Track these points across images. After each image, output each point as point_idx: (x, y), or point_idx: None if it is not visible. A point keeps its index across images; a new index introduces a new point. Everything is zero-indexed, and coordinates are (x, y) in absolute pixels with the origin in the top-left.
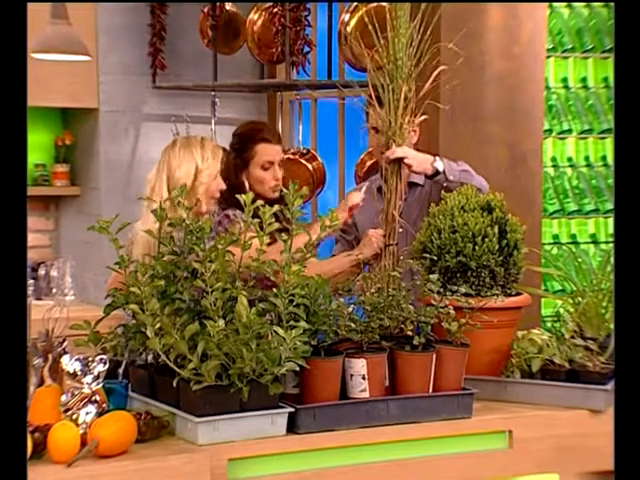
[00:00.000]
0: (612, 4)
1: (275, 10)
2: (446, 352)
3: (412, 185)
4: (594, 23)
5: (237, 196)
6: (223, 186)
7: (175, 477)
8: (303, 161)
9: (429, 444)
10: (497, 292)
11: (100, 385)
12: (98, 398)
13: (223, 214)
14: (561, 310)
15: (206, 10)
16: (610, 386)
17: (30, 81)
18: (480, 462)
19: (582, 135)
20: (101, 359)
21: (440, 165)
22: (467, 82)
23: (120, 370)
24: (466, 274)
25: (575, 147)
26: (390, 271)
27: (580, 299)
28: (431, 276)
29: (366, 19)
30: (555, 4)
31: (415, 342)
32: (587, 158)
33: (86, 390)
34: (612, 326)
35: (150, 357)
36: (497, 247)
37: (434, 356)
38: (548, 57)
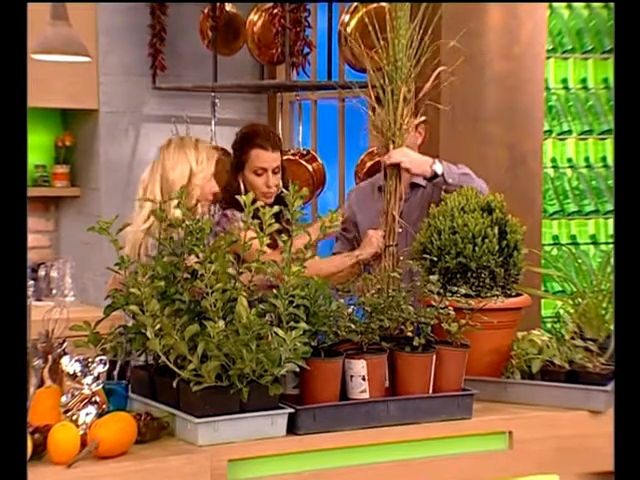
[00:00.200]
0: (612, 5)
1: (275, 11)
2: (446, 353)
3: (414, 186)
4: (594, 24)
5: (237, 197)
6: (216, 188)
7: (175, 478)
8: (303, 162)
9: (429, 445)
10: (497, 293)
11: (100, 386)
12: (98, 399)
13: (222, 214)
14: (561, 311)
15: (206, 11)
16: (610, 387)
17: (30, 82)
18: (480, 463)
19: (582, 136)
20: (101, 360)
21: (439, 168)
22: (467, 82)
23: (115, 372)
24: (466, 275)
25: (575, 148)
26: (390, 272)
27: (580, 300)
28: (431, 277)
29: (366, 20)
30: (555, 5)
31: (415, 343)
32: (587, 159)
33: (86, 391)
34: (612, 327)
35: (150, 358)
36: (497, 248)
37: (434, 357)
38: (548, 58)
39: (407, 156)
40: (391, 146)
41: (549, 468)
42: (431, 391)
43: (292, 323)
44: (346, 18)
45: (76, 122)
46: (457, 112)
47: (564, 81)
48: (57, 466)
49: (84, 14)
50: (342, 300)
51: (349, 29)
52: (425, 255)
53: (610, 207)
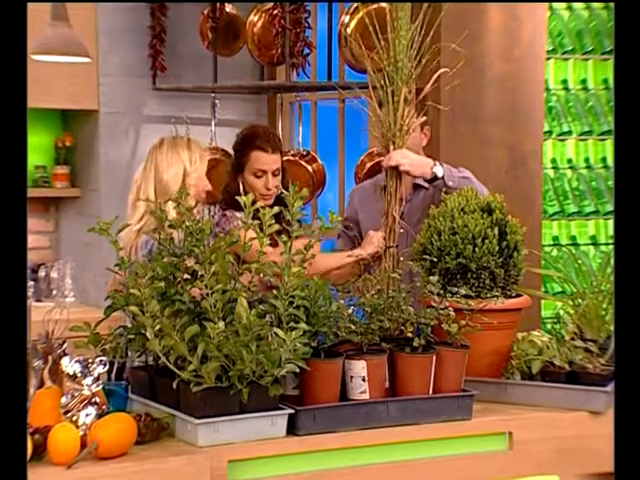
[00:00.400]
0: (612, 6)
1: (275, 12)
2: (446, 354)
3: (417, 187)
4: (594, 25)
5: (237, 198)
6: (209, 187)
7: (175, 479)
8: (303, 163)
9: (429, 446)
10: (497, 294)
11: (100, 387)
12: (98, 400)
13: (221, 214)
14: (561, 312)
15: (206, 12)
16: (610, 388)
17: (30, 83)
18: (480, 464)
19: (582, 137)
20: (101, 361)
21: (439, 170)
22: (467, 84)
23: (112, 374)
24: (466, 276)
25: (575, 149)
26: (390, 273)
27: (580, 301)
28: (431, 278)
29: (366, 20)
30: (555, 6)
31: (415, 344)
32: (587, 160)
33: (86, 392)
34: (612, 328)
35: (150, 359)
36: (497, 249)
37: (434, 358)
38: (548, 59)
39: (407, 158)
40: (391, 147)
41: (549, 469)
42: (431, 392)
43: (292, 324)
44: (346, 19)
45: (76, 123)
46: (457, 113)
47: (564, 82)
48: (57, 467)
49: (84, 15)
50: (342, 301)
51: (349, 30)
52: (425, 256)
53: (610, 208)
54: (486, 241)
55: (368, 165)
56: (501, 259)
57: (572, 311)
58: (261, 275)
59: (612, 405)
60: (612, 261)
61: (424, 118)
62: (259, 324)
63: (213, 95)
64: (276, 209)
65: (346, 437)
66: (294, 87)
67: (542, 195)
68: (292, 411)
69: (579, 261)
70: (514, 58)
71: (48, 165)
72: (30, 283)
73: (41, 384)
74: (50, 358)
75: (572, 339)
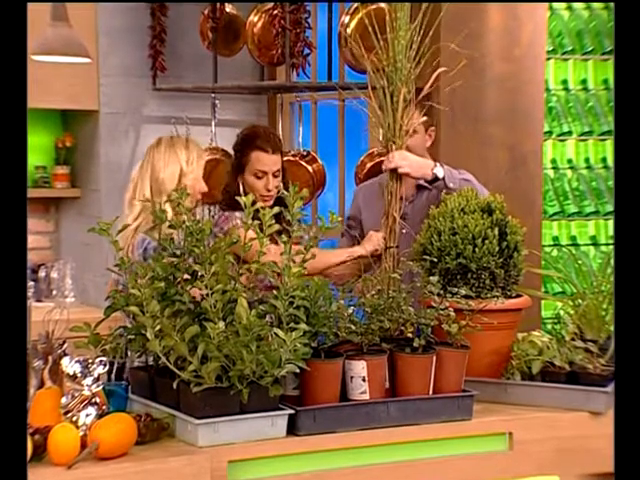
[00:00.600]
0: (612, 6)
1: (275, 12)
2: (446, 354)
3: (420, 188)
4: (594, 25)
5: (237, 198)
6: (205, 189)
7: (175, 479)
8: (303, 163)
9: (429, 446)
10: (497, 294)
11: (100, 387)
12: (98, 400)
13: (220, 214)
14: (561, 312)
15: (206, 12)
16: (610, 388)
17: (30, 83)
18: (480, 464)
19: (582, 137)
20: (101, 361)
21: (440, 171)
22: (467, 84)
23: (112, 375)
24: (466, 276)
25: (575, 149)
26: (390, 273)
27: (580, 301)
28: (431, 278)
29: (366, 21)
30: (555, 6)
31: (415, 344)
32: (587, 160)
33: (86, 392)
34: (612, 328)
35: (150, 359)
36: (497, 249)
37: (434, 358)
38: (548, 59)
39: (406, 160)
40: (393, 147)
41: (549, 469)
42: (431, 392)
43: (292, 324)
44: (346, 19)
45: (76, 123)
46: (457, 113)
47: (564, 82)
48: (57, 467)
49: (84, 15)
50: (342, 301)
51: (349, 30)
52: (425, 256)
53: (610, 208)
54: (486, 241)
55: (368, 165)
56: (501, 259)
57: (572, 311)
58: (259, 275)
59: (612, 405)
60: (612, 261)
61: (424, 118)
62: (259, 324)
63: (213, 95)
64: (276, 209)
65: (346, 437)
66: (294, 87)
67: (542, 195)
68: (292, 411)
69: (579, 261)
70: (514, 58)
71: (48, 165)
72: (30, 283)
73: (41, 384)
74: (50, 358)
75: (572, 339)
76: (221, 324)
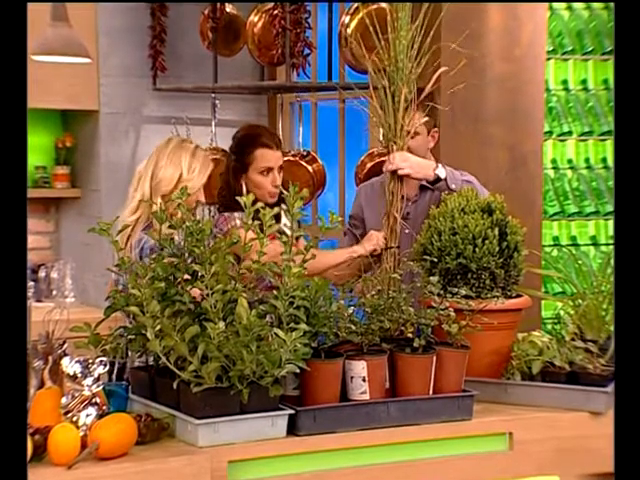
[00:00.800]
0: (612, 6)
1: (275, 12)
2: (446, 354)
3: (423, 188)
4: (594, 25)
5: (237, 198)
6: (202, 200)
7: (175, 479)
8: (303, 163)
9: (429, 446)
10: (497, 294)
11: (100, 387)
12: (98, 400)
13: (219, 216)
14: (561, 312)
15: (206, 12)
16: (610, 388)
17: (30, 83)
18: (480, 464)
19: (582, 137)
20: (101, 361)
21: (442, 172)
22: (468, 84)
23: (113, 375)
24: (466, 276)
25: (575, 149)
26: (391, 273)
27: (580, 301)
28: (431, 278)
29: (367, 21)
30: (555, 6)
31: (415, 344)
32: (587, 160)
33: (86, 392)
34: (612, 328)
35: (150, 359)
36: (497, 249)
37: (434, 358)
38: (548, 59)
39: (407, 161)
40: (394, 148)
41: (549, 469)
42: (431, 392)
43: (292, 324)
44: (346, 19)
45: (76, 123)
46: (458, 113)
47: (564, 82)
48: (57, 467)
49: (84, 15)
50: (342, 301)
51: (349, 30)
52: (425, 256)
53: (610, 208)
54: (486, 241)
55: (368, 165)
56: (501, 259)
57: (572, 311)
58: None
59: (612, 405)
60: (612, 261)
61: (426, 119)
62: (259, 324)
63: (213, 95)
64: (276, 209)
65: (346, 437)
66: (294, 87)
67: (542, 195)
68: (292, 411)
69: (579, 261)
70: (514, 58)
71: (48, 165)
72: (30, 283)
73: (41, 384)
74: (50, 358)
75: (572, 339)
76: (221, 324)
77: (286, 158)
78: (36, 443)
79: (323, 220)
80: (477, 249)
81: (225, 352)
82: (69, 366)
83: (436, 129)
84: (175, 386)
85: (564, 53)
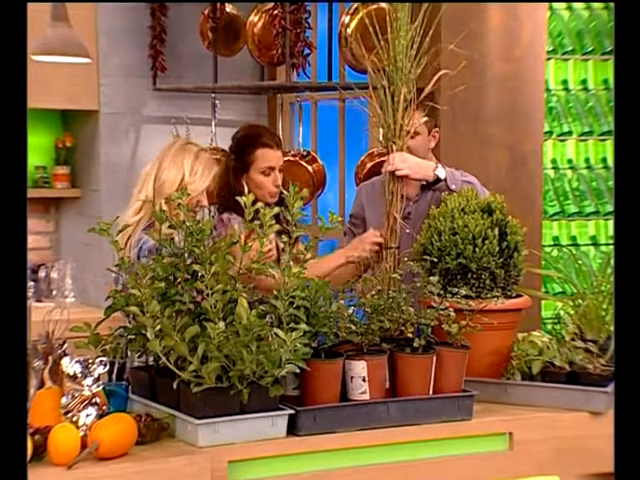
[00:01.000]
0: (612, 6)
1: (275, 12)
2: (446, 354)
3: (425, 188)
4: (594, 25)
5: (237, 198)
6: (205, 203)
7: (175, 479)
8: (303, 163)
9: (430, 446)
10: (497, 294)
11: (100, 387)
12: (98, 400)
13: (219, 218)
14: (561, 312)
15: (206, 12)
16: (610, 388)
17: (30, 83)
18: (480, 464)
19: (582, 137)
20: (101, 361)
21: (442, 172)
22: (468, 84)
23: (113, 375)
24: (466, 276)
25: (575, 149)
26: (391, 273)
27: (580, 301)
28: (431, 278)
29: (366, 21)
30: (555, 6)
31: (415, 344)
32: (587, 160)
33: (86, 392)
34: (612, 328)
35: (150, 359)
36: (497, 249)
37: (434, 358)
38: (548, 59)
39: (406, 162)
40: (394, 148)
41: (549, 469)
42: (431, 392)
43: (292, 324)
44: (346, 19)
45: (76, 123)
46: (457, 113)
47: (564, 82)
48: (57, 467)
49: (84, 15)
50: (342, 301)
51: (349, 30)
52: (425, 256)
53: (610, 208)
54: (486, 241)
55: (368, 165)
56: (501, 259)
57: (572, 311)
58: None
59: (612, 405)
60: (612, 261)
61: (425, 119)
62: (259, 324)
63: (213, 95)
64: (276, 209)
65: (346, 437)
66: (294, 87)
67: (542, 195)
68: (292, 411)
69: (579, 261)
70: (514, 58)
71: (48, 165)
72: (30, 283)
73: (41, 384)
74: (50, 358)
75: (572, 339)
76: (221, 324)
77: (286, 158)
78: (36, 443)
79: (323, 220)
80: (477, 249)
81: (225, 352)
82: (69, 366)
83: (437, 129)
84: (175, 386)
85: (564, 53)
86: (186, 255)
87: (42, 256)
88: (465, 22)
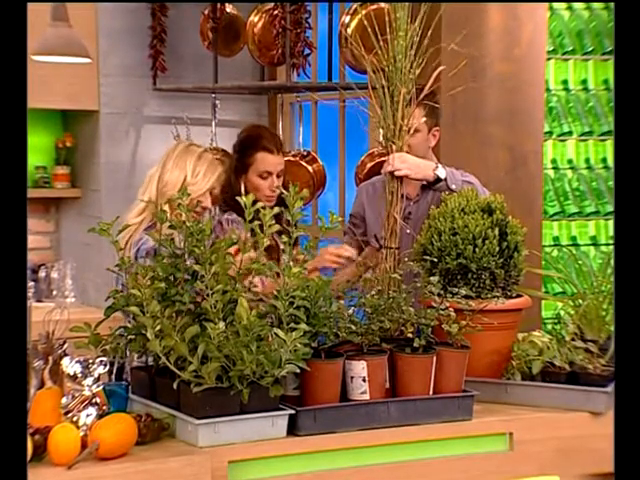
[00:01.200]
0: (612, 6)
1: (275, 12)
2: (446, 354)
3: (425, 188)
4: (594, 25)
5: (237, 198)
6: (208, 205)
7: (175, 479)
8: (303, 163)
9: (429, 446)
10: (497, 294)
11: (100, 387)
12: (98, 400)
13: (217, 220)
14: (561, 312)
15: (206, 12)
16: (610, 388)
17: (30, 83)
18: (481, 464)
19: (582, 137)
20: (101, 361)
21: (442, 172)
22: (468, 84)
23: (112, 375)
24: (466, 276)
25: (575, 149)
26: (391, 273)
27: (580, 301)
28: (431, 278)
29: (365, 22)
30: (555, 6)
31: (415, 344)
32: (587, 160)
33: (86, 392)
34: (612, 328)
35: (150, 359)
36: (497, 249)
37: (434, 358)
38: (548, 59)
39: (405, 162)
40: (393, 148)
41: (550, 469)
42: (431, 392)
43: (292, 324)
44: (347, 19)
45: (76, 123)
46: (457, 113)
47: (564, 82)
48: (57, 467)
49: (84, 15)
50: (342, 301)
51: (349, 30)
52: (425, 256)
53: (610, 208)
54: (486, 242)
55: (369, 165)
56: (501, 260)
57: (572, 312)
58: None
59: (612, 405)
60: (612, 261)
61: (424, 119)
62: (259, 325)
63: (213, 95)
64: (276, 209)
65: (346, 437)
66: (294, 87)
67: (542, 196)
68: (292, 411)
69: (579, 261)
70: (514, 58)
71: (48, 166)
72: (30, 284)
73: (41, 384)
74: (50, 358)
75: (572, 340)
76: (221, 324)
77: (286, 158)
78: (36, 443)
79: (323, 220)
80: (477, 249)
81: (225, 352)
82: (69, 366)
83: (437, 128)
84: (175, 386)
85: (564, 53)
86: (186, 255)
87: (42, 256)
88: (465, 22)
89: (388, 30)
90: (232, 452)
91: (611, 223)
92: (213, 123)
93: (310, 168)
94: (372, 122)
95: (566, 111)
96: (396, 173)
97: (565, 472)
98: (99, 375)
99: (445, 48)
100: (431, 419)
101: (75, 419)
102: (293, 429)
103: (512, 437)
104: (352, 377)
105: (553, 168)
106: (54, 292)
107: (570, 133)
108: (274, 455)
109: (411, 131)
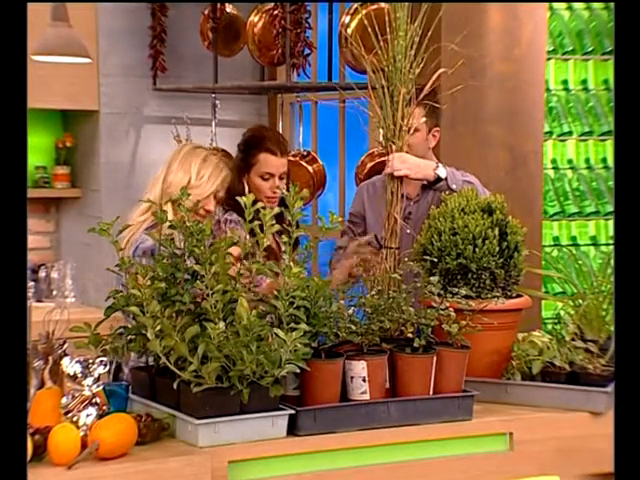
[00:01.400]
0: (612, 6)
1: (276, 12)
2: (446, 354)
3: (426, 188)
4: (594, 25)
5: (237, 198)
6: (211, 208)
7: (175, 479)
8: (303, 163)
9: (429, 446)
10: (497, 294)
11: (100, 387)
12: (98, 400)
13: (217, 221)
14: (561, 312)
15: (206, 12)
16: (610, 388)
17: (30, 83)
18: (481, 464)
19: (582, 137)
20: (101, 361)
21: (443, 172)
22: (468, 84)
23: (110, 375)
24: (466, 276)
25: (575, 149)
26: (391, 273)
27: (580, 301)
28: (431, 278)
29: (365, 22)
30: (555, 6)
31: (415, 344)
32: (587, 160)
33: (86, 392)
34: (612, 328)
35: (150, 359)
36: (497, 249)
37: (434, 358)
38: (548, 59)
39: (405, 163)
40: (393, 148)
41: (550, 469)
42: (431, 392)
43: (292, 324)
44: (347, 19)
45: (76, 123)
46: (457, 113)
47: (564, 82)
48: (57, 467)
49: (84, 15)
50: (342, 301)
51: (349, 30)
52: (425, 256)
53: (610, 208)
54: (486, 242)
55: (369, 165)
56: (501, 260)
57: (572, 311)
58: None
59: (612, 405)
60: (612, 261)
61: (424, 119)
62: (260, 325)
63: (213, 95)
64: (276, 210)
65: (347, 437)
66: (294, 88)
67: (542, 196)
68: (292, 411)
69: (579, 261)
70: (514, 58)
71: (48, 166)
72: (30, 284)
73: (41, 384)
74: (50, 358)
75: (572, 340)
76: (221, 324)
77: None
78: (36, 443)
79: (323, 220)
80: (477, 249)
81: (225, 352)
82: (69, 366)
83: (437, 128)
84: (175, 386)
85: (564, 53)
86: (186, 255)
87: (42, 256)
88: (465, 22)
89: (388, 30)
90: (232, 452)
91: (611, 223)
92: (213, 123)
93: (310, 168)
94: (372, 122)
95: (566, 111)
96: (396, 173)
97: (565, 472)
98: (99, 375)
99: (445, 48)
100: (431, 419)
101: (75, 419)
102: (293, 429)
103: (512, 437)
104: (352, 377)
105: (553, 168)
106: (54, 292)
107: (570, 133)
108: (274, 455)
109: (411, 131)
